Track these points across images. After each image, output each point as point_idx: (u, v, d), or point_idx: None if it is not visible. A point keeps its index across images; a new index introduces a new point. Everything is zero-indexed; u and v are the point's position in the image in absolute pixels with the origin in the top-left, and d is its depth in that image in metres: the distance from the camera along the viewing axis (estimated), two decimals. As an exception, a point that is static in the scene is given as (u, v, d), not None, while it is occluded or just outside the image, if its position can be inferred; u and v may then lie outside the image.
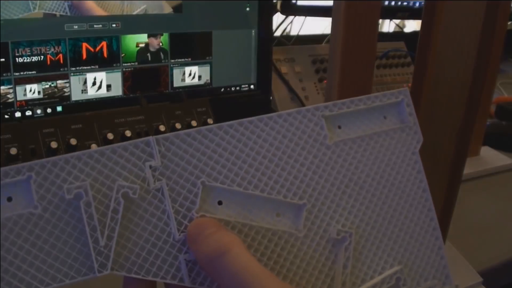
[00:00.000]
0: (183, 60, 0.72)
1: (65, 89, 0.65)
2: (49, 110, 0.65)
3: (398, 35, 1.35)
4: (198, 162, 0.29)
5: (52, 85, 0.64)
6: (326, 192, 0.32)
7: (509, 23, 0.96)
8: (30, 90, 0.63)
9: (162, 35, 0.70)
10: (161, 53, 0.70)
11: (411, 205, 0.34)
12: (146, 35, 0.69)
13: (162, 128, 0.68)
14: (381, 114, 0.34)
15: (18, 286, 0.26)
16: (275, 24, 1.12)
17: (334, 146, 0.32)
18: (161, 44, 0.70)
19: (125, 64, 0.68)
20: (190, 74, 0.74)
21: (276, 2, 1.01)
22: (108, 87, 0.68)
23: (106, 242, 0.27)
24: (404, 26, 1.45)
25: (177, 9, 0.70)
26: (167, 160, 0.29)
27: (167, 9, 0.70)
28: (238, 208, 0.30)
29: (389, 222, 0.33)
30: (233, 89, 0.78)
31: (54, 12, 0.62)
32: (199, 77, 0.74)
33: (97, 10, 0.65)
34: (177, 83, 0.73)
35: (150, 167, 0.28)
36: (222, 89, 0.77)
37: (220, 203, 0.29)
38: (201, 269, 0.28)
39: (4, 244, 0.26)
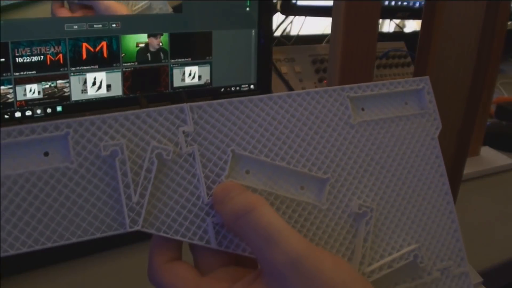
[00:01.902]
0: (183, 60, 0.72)
1: (65, 89, 0.65)
2: (49, 110, 0.65)
3: (398, 35, 1.35)
4: (229, 131, 0.31)
5: (52, 85, 0.64)
6: (349, 169, 0.33)
7: (509, 23, 0.96)
8: (30, 90, 0.63)
9: (162, 35, 0.70)
10: (161, 53, 0.70)
11: (429, 187, 0.35)
12: (146, 35, 0.69)
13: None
14: (402, 99, 0.36)
15: (50, 236, 0.27)
16: (275, 24, 1.12)
17: (357, 126, 0.34)
18: (161, 44, 0.70)
19: (125, 64, 0.68)
20: (190, 74, 0.74)
21: (276, 2, 1.01)
22: (108, 87, 0.68)
23: (138, 199, 0.28)
24: (404, 26, 1.45)
25: (177, 9, 0.70)
26: (200, 127, 0.30)
27: (169, 8, 0.70)
28: (264, 177, 0.31)
29: (407, 201, 0.34)
30: (233, 89, 0.78)
31: None
32: (199, 77, 0.74)
33: (116, 6, 0.65)
34: (177, 83, 0.73)
35: (183, 132, 0.30)
36: (222, 89, 0.77)
37: (247, 172, 0.31)
38: (228, 228, 0.29)
39: (39, 195, 0.27)
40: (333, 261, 0.26)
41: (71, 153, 0.28)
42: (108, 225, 0.28)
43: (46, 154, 0.27)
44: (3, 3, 0.59)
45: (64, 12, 0.63)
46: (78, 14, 0.64)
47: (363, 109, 0.34)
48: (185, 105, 0.30)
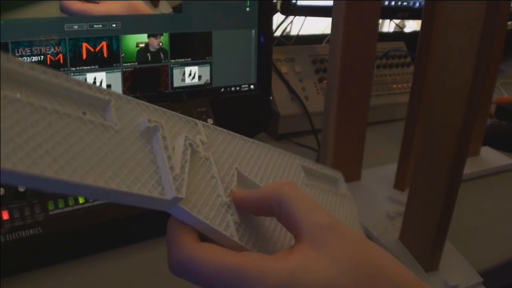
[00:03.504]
0: (183, 60, 0.72)
1: (65, 89, 0.65)
2: (49, 110, 0.65)
3: (398, 35, 1.35)
4: (232, 152, 0.35)
5: (52, 85, 0.64)
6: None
7: (509, 23, 0.96)
8: (30, 90, 0.63)
9: (162, 35, 0.70)
10: (161, 53, 0.70)
11: None
12: (146, 35, 0.69)
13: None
14: None
15: (102, 186, 0.25)
16: (275, 24, 1.12)
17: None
18: (161, 44, 0.70)
19: (125, 64, 0.68)
20: (190, 74, 0.74)
21: (276, 2, 1.01)
22: (108, 87, 0.68)
23: (180, 172, 0.29)
24: (404, 26, 1.45)
25: (177, 9, 0.70)
26: (211, 141, 0.33)
27: (169, 8, 0.70)
28: None
29: None
30: (233, 89, 0.78)
31: None
32: (199, 77, 0.74)
33: (144, 9, 0.65)
34: (177, 83, 0.73)
35: (200, 140, 0.32)
36: (222, 89, 0.77)
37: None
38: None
39: (85, 138, 0.26)
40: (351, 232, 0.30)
41: (113, 117, 0.28)
42: (153, 188, 0.27)
43: (84, 113, 0.27)
44: (3, 3, 0.59)
45: (74, 4, 0.63)
46: (90, 6, 0.64)
47: None
48: (198, 121, 0.34)
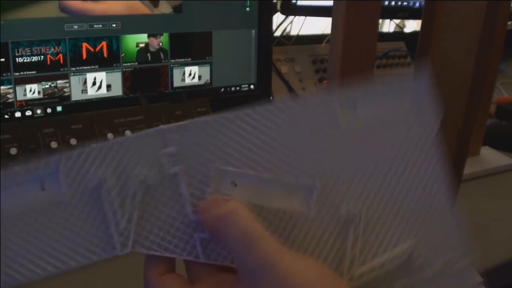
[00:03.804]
0: (183, 60, 0.72)
1: (65, 89, 0.65)
2: (49, 110, 0.65)
3: (398, 35, 1.35)
4: (212, 147, 0.31)
5: (52, 85, 0.64)
6: (337, 173, 0.32)
7: (509, 23, 0.96)
8: (30, 90, 0.63)
9: (162, 35, 0.70)
10: (161, 53, 0.70)
11: (429, 181, 0.34)
12: (146, 35, 0.69)
13: (162, 128, 0.68)
14: (400, 96, 0.34)
15: (54, 264, 0.29)
16: (275, 24, 1.12)
17: (347, 128, 0.32)
18: (161, 44, 0.70)
19: (125, 64, 0.68)
20: (190, 74, 0.74)
21: (276, 2, 1.01)
22: (108, 87, 0.68)
23: (126, 224, 0.30)
24: (404, 26, 1.45)
25: (177, 9, 0.70)
26: (183, 147, 0.31)
27: (171, 3, 0.70)
28: (251, 189, 0.31)
29: (404, 198, 0.33)
30: (233, 89, 0.78)
31: None
32: (199, 77, 0.74)
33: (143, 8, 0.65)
34: (177, 83, 0.73)
35: (165, 154, 0.30)
36: (222, 89, 0.77)
37: (235, 184, 0.31)
38: (210, 233, 0.30)
39: (40, 228, 0.29)
40: (304, 263, 0.27)
41: (62, 186, 0.30)
42: (103, 249, 0.30)
43: (43, 188, 0.30)
44: (3, 3, 0.59)
45: (74, 3, 0.63)
46: (89, 5, 0.64)
47: (356, 110, 0.33)
48: (165, 127, 0.30)
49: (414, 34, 1.33)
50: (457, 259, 0.33)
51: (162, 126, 0.30)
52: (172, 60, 0.72)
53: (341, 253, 0.31)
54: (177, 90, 0.73)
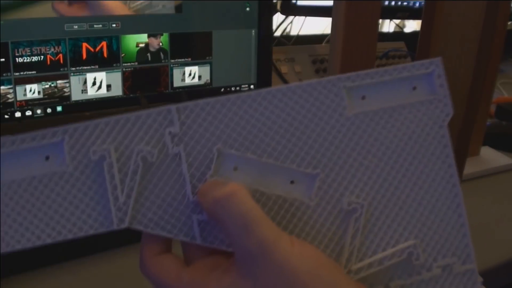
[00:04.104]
0: (183, 60, 0.72)
1: (65, 89, 0.65)
2: (49, 110, 0.65)
3: (398, 35, 1.35)
4: (215, 129, 0.31)
5: (52, 85, 0.64)
6: (341, 163, 0.32)
7: (509, 23, 0.96)
8: (30, 90, 0.63)
9: (162, 35, 0.70)
10: (161, 53, 0.70)
11: (434, 179, 0.33)
12: (146, 35, 0.69)
13: (162, 128, 0.68)
14: (409, 85, 0.33)
15: (50, 233, 0.29)
16: (275, 24, 1.12)
17: (353, 117, 0.32)
18: (161, 44, 0.70)
19: (125, 64, 0.68)
20: (190, 74, 0.74)
21: (276, 2, 1.01)
22: (108, 87, 0.68)
23: (125, 199, 0.30)
24: (404, 26, 1.45)
25: (177, 9, 0.70)
26: (186, 127, 0.31)
27: (172, 3, 0.70)
28: (253, 173, 0.31)
29: (407, 195, 0.32)
30: (233, 89, 0.78)
31: None
32: (199, 77, 0.74)
33: (114, 6, 0.65)
34: (177, 83, 0.73)
35: (170, 133, 0.30)
36: (222, 89, 0.77)
37: (235, 169, 0.31)
38: (209, 217, 0.30)
39: (40, 196, 0.29)
40: (304, 249, 0.27)
41: (66, 157, 0.30)
42: (101, 223, 0.30)
43: (47, 158, 0.30)
44: (3, 3, 0.59)
45: (63, 7, 0.63)
46: (74, 9, 0.64)
47: (363, 98, 0.32)
48: (172, 107, 0.30)
49: (414, 34, 1.33)
50: (456, 264, 0.33)
51: (169, 105, 0.31)
52: (172, 60, 0.72)
53: (340, 246, 0.31)
54: (177, 90, 0.73)
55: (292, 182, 0.31)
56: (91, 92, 0.67)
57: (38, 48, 0.62)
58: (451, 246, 0.33)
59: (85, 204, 0.30)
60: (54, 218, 0.29)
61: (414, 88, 0.33)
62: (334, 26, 0.64)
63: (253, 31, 0.77)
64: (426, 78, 0.33)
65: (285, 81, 0.93)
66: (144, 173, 0.30)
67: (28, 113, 0.64)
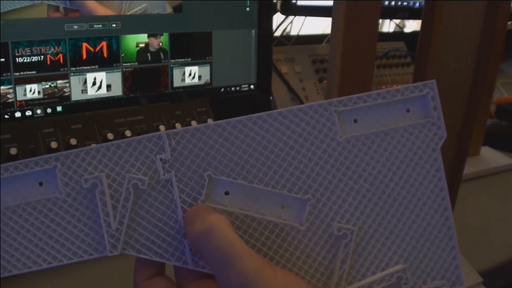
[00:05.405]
0: (183, 60, 0.72)
1: (65, 89, 0.65)
2: (49, 110, 0.65)
3: (398, 35, 1.35)
4: (205, 155, 0.31)
5: (52, 85, 0.64)
6: (332, 188, 0.32)
7: (509, 23, 0.96)
8: (30, 90, 0.63)
9: (162, 35, 0.70)
10: (161, 53, 0.70)
11: (425, 203, 0.33)
12: (146, 35, 0.69)
13: (162, 128, 0.68)
14: (403, 107, 0.33)
15: (45, 258, 0.30)
16: (275, 24, 1.12)
17: (345, 142, 0.32)
18: (161, 44, 0.70)
19: (125, 64, 0.68)
20: (190, 74, 0.74)
21: (276, 2, 1.01)
22: (108, 87, 0.68)
23: (117, 226, 0.30)
24: (404, 26, 1.45)
25: (177, 9, 0.70)
26: (177, 154, 0.31)
27: (169, 8, 0.70)
28: (243, 199, 0.31)
29: (398, 219, 0.32)
30: (233, 89, 0.78)
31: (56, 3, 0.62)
32: (199, 77, 0.74)
33: (100, 9, 0.65)
34: (177, 83, 0.73)
35: (161, 159, 0.31)
36: (222, 89, 0.77)
37: (227, 193, 0.31)
38: (192, 247, 0.30)
39: (34, 222, 0.30)
40: (284, 281, 0.27)
41: (59, 184, 0.30)
42: (94, 249, 0.30)
43: (40, 184, 0.31)
44: (3, 8, 0.59)
45: (58, 16, 0.63)
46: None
47: (356, 121, 0.32)
48: (163, 133, 0.31)
49: (414, 34, 1.33)
50: (445, 286, 0.33)
51: (160, 132, 0.31)
52: (172, 60, 0.72)
53: (329, 271, 0.31)
54: (177, 90, 0.73)
55: (283, 207, 0.31)
56: (91, 92, 0.67)
57: (38, 48, 0.62)
58: (440, 269, 0.33)
59: (78, 230, 0.30)
60: (49, 243, 0.30)
61: (408, 111, 0.33)
62: (334, 26, 0.64)
63: (253, 31, 0.77)
64: (420, 101, 0.33)
65: (285, 81, 0.93)
66: (136, 200, 0.31)
67: (28, 113, 0.64)
